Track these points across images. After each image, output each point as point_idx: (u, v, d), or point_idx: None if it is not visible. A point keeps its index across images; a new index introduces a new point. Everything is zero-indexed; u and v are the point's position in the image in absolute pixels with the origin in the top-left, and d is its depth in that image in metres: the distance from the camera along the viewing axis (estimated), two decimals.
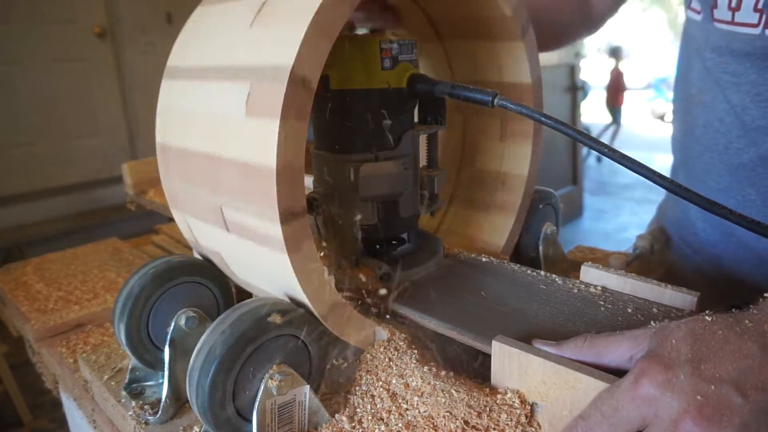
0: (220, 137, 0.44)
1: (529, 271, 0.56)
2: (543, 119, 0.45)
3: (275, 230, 0.40)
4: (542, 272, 0.56)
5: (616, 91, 6.59)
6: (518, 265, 0.58)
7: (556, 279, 0.54)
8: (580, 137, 0.44)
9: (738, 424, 0.30)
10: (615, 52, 6.73)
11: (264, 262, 0.45)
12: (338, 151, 0.53)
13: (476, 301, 0.51)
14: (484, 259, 0.60)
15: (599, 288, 0.52)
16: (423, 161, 0.59)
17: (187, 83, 0.49)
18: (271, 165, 0.38)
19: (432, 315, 0.49)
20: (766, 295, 0.37)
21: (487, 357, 0.44)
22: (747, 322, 0.34)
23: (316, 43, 0.39)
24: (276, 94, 0.38)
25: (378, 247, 0.57)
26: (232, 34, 0.45)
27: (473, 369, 0.48)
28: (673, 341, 0.34)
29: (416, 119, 0.57)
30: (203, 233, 0.51)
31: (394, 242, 0.58)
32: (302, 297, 0.43)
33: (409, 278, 0.55)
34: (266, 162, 0.39)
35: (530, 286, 0.53)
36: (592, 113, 8.17)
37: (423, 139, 0.58)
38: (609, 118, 6.91)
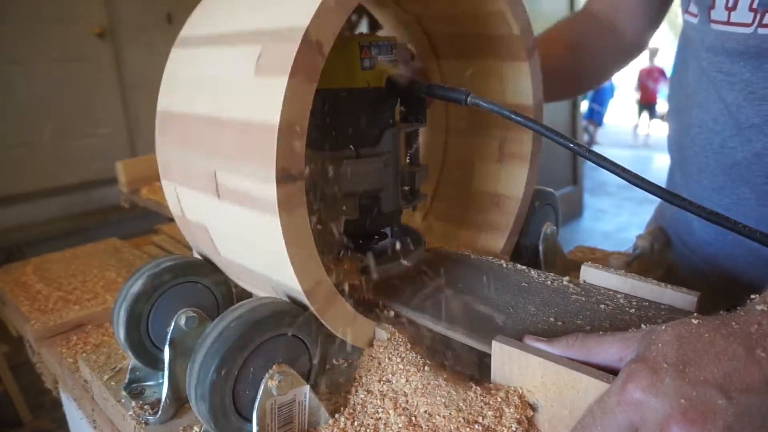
0: (225, 99, 0.44)
1: (506, 265, 0.58)
2: (513, 117, 0.47)
3: (269, 190, 0.39)
4: (519, 265, 0.58)
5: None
6: (495, 259, 0.60)
7: (531, 272, 0.56)
8: (555, 136, 0.45)
9: (722, 426, 0.30)
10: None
11: (253, 230, 0.44)
12: (320, 148, 0.54)
13: (452, 292, 0.53)
14: (463, 254, 0.62)
15: (568, 279, 0.54)
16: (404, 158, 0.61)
17: (198, 50, 0.49)
18: (274, 121, 0.38)
19: (410, 306, 0.50)
20: (753, 297, 0.37)
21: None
22: (734, 324, 0.34)
23: (333, 10, 0.40)
24: (288, 52, 0.39)
25: (360, 241, 0.59)
26: (252, 3, 0.45)
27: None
28: (660, 345, 0.34)
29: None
30: (192, 203, 0.51)
31: (376, 237, 0.60)
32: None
33: (389, 271, 0.57)
34: (269, 119, 0.39)
35: (506, 279, 0.55)
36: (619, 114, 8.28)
37: (404, 137, 0.59)
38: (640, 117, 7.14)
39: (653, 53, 6.97)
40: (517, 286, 0.53)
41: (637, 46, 0.85)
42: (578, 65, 0.82)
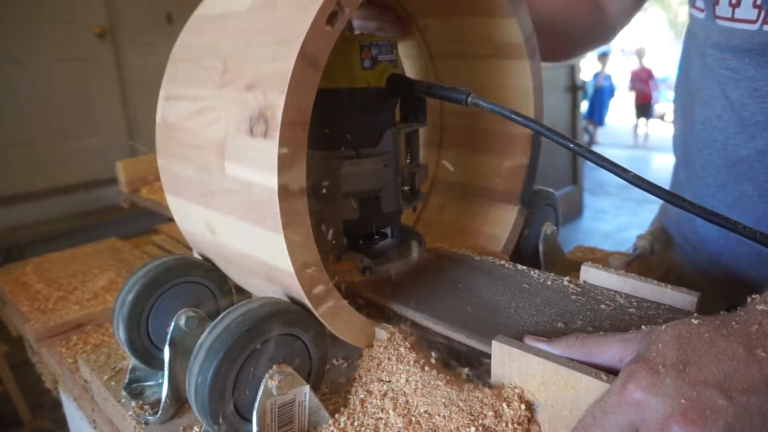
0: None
1: (506, 265, 0.58)
2: (513, 116, 0.47)
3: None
4: (519, 266, 0.58)
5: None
6: (495, 259, 0.60)
7: (532, 272, 0.56)
8: (554, 136, 0.45)
9: (722, 426, 0.30)
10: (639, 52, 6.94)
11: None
12: (321, 148, 0.54)
13: (452, 292, 0.53)
14: (463, 254, 0.62)
15: (568, 280, 0.54)
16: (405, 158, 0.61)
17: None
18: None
19: (410, 306, 0.50)
20: (753, 296, 0.37)
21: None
22: (734, 324, 0.34)
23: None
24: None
25: (361, 241, 0.59)
26: None
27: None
28: (660, 345, 0.34)
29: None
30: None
31: (376, 237, 0.60)
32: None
33: (390, 271, 0.57)
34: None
35: (506, 279, 0.55)
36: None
37: (404, 137, 0.59)
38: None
39: (641, 54, 6.99)
40: (517, 287, 0.53)
41: (617, 26, 0.83)
42: (554, 32, 0.78)
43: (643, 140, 7.34)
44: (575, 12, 0.80)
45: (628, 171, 0.42)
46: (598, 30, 0.83)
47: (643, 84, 7.00)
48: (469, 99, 0.49)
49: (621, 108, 8.86)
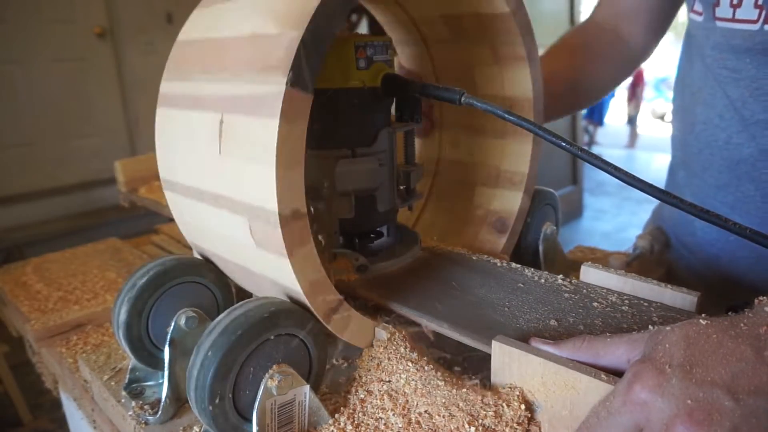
0: (243, 258, 0.48)
1: (500, 263, 0.58)
2: (507, 116, 0.47)
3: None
4: (513, 264, 0.58)
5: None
6: (490, 257, 0.60)
7: (525, 271, 0.56)
8: (547, 135, 0.45)
9: (728, 427, 0.30)
10: None
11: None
12: (316, 147, 0.54)
13: (446, 290, 0.53)
14: (458, 252, 0.62)
15: (561, 278, 0.54)
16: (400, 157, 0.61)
17: (186, 200, 0.51)
18: (298, 290, 0.43)
19: (407, 305, 0.51)
20: (761, 298, 0.37)
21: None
22: (742, 325, 0.34)
23: (288, 177, 0.40)
24: (275, 234, 0.40)
25: (356, 240, 0.59)
26: (208, 160, 0.46)
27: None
28: (667, 345, 0.34)
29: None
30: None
31: (372, 235, 0.60)
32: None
33: (385, 269, 0.57)
34: (293, 287, 0.43)
35: (500, 277, 0.55)
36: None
37: (400, 136, 0.59)
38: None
39: None
40: (511, 285, 0.53)
41: (642, 53, 0.84)
42: (583, 77, 0.81)
43: (635, 140, 7.34)
44: (598, 55, 0.81)
45: (620, 168, 0.42)
46: (624, 62, 0.85)
47: (637, 86, 7.01)
48: (463, 99, 0.50)
49: (620, 109, 8.88)
